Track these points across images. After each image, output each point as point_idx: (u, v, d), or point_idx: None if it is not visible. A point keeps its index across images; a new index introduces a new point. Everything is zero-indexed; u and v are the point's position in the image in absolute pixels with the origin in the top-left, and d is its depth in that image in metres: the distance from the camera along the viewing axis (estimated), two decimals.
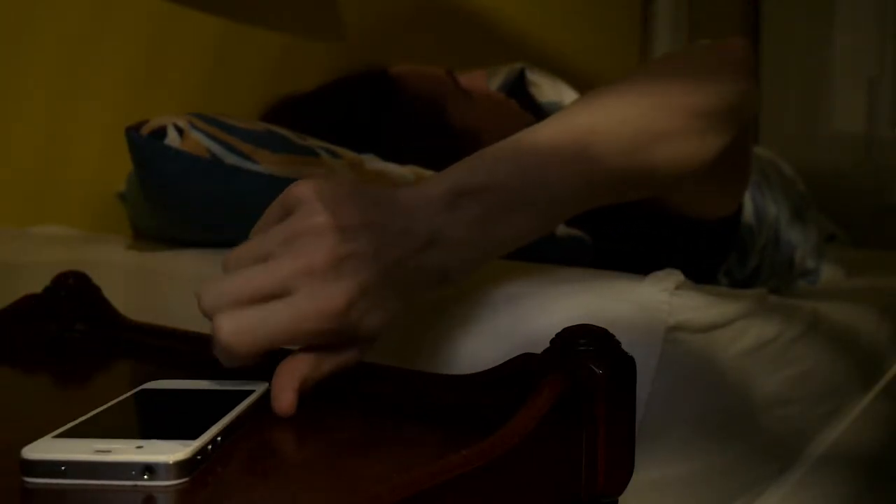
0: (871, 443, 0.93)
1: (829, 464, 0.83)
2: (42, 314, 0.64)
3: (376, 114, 1.04)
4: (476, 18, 2.03)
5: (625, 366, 0.39)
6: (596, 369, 0.38)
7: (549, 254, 0.89)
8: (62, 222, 1.18)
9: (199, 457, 0.34)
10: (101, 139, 1.26)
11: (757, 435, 0.73)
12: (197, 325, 0.71)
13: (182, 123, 0.76)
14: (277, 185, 0.76)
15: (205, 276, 0.78)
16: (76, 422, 0.38)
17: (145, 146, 0.75)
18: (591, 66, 2.57)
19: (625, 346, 0.40)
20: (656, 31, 2.96)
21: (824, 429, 0.84)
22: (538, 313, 0.60)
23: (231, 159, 0.76)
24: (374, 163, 0.86)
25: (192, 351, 0.58)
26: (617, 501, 0.40)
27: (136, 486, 0.33)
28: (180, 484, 0.33)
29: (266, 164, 0.77)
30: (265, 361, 0.43)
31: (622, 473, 0.39)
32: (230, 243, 0.83)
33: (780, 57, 3.67)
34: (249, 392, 0.44)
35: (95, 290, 0.66)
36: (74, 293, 0.65)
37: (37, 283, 0.66)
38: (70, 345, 0.63)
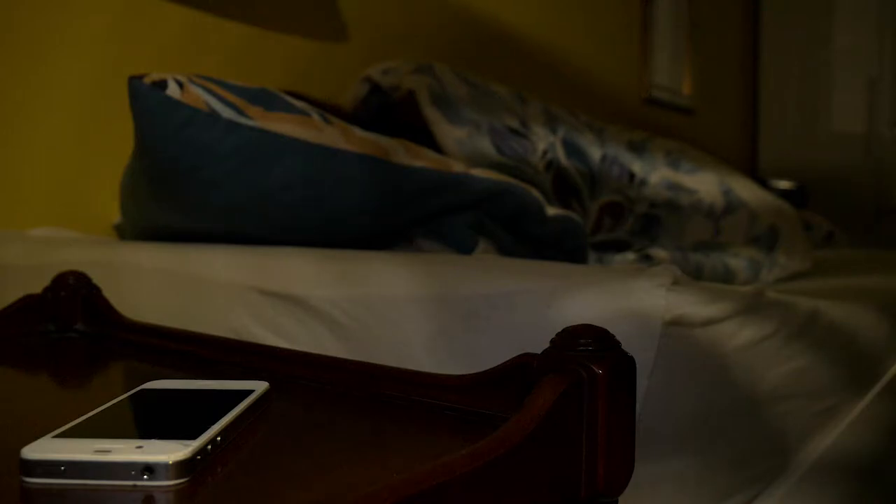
0: (870, 444, 0.92)
1: (828, 464, 0.83)
2: (42, 314, 0.64)
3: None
4: (475, 19, 2.03)
5: (625, 366, 0.39)
6: (596, 369, 0.38)
7: (543, 232, 0.90)
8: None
9: (199, 457, 0.34)
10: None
11: (754, 431, 0.73)
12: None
13: (182, 78, 0.78)
14: (268, 139, 0.79)
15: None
16: (76, 422, 0.38)
17: (147, 95, 0.77)
18: (591, 66, 2.57)
19: (622, 342, 0.40)
20: (656, 31, 2.96)
21: (823, 427, 0.83)
22: (536, 310, 0.60)
23: (227, 113, 0.78)
24: (362, 132, 0.88)
25: (192, 351, 0.58)
26: (617, 501, 0.40)
27: (135, 486, 0.33)
28: (180, 484, 0.33)
29: (259, 119, 0.79)
30: (265, 361, 0.43)
31: (622, 473, 0.39)
32: (223, 237, 0.84)
33: (780, 57, 3.68)
34: (249, 392, 0.44)
35: (95, 290, 0.66)
36: (74, 293, 0.65)
37: (24, 286, 0.66)
38: (70, 345, 0.63)
